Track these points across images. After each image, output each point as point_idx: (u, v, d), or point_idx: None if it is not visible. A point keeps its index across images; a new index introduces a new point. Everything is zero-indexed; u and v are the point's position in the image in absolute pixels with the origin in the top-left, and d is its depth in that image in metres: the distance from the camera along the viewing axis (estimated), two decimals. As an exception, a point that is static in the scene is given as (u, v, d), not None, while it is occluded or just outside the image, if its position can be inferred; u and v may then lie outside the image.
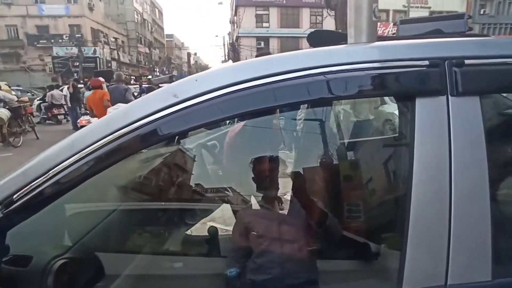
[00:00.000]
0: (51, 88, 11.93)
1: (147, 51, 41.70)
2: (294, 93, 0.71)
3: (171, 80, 14.99)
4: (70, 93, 10.12)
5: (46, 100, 11.34)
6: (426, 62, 0.70)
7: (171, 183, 1.51)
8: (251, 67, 0.75)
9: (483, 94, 0.71)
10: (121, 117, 0.72)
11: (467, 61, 0.69)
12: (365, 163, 1.29)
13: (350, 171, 1.26)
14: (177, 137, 1.20)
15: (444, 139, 0.67)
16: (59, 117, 11.32)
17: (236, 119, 1.32)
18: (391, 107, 2.34)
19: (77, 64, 26.00)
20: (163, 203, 1.44)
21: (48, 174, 0.70)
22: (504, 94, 0.98)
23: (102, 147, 0.70)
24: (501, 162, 0.88)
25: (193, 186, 1.59)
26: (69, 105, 10.19)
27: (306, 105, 1.36)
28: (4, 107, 7.61)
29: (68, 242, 0.95)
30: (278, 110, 1.11)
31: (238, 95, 0.69)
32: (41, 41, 27.41)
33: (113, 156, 0.71)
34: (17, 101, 8.51)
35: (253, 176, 1.20)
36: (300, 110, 1.80)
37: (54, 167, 0.70)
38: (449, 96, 0.69)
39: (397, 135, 1.09)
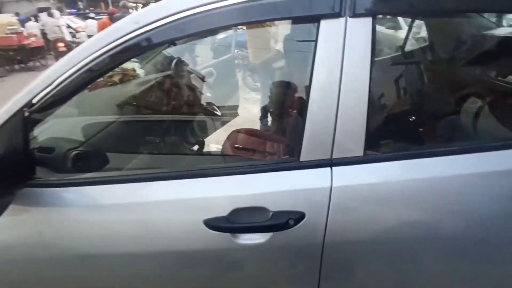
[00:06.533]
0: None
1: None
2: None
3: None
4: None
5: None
6: None
7: (167, 99, 1.73)
8: None
9: (376, 16, 0.85)
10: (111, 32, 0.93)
11: None
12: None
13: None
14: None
15: (337, 59, 0.85)
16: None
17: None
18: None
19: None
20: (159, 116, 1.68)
21: (53, 84, 0.93)
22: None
23: (94, 60, 0.91)
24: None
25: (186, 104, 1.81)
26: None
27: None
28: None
29: (80, 139, 1.23)
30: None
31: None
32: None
33: (106, 65, 0.93)
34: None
35: None
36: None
37: (57, 78, 0.92)
38: (347, 18, 0.84)
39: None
